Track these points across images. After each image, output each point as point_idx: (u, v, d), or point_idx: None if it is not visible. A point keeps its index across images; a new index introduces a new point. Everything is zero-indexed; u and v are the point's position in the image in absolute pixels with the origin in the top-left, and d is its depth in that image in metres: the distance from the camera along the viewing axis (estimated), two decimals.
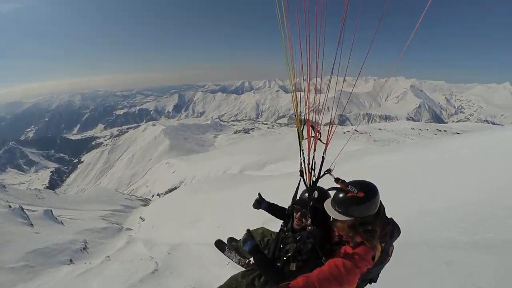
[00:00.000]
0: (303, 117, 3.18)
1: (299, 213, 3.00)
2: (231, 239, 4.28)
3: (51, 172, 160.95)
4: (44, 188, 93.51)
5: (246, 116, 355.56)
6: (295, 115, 3.21)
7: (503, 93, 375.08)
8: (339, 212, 2.50)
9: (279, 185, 27.01)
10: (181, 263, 12.14)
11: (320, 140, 2.99)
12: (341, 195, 2.52)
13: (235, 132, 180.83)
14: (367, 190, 2.46)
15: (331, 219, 2.70)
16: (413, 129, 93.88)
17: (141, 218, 30.87)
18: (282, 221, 3.36)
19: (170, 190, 65.19)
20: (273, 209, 3.67)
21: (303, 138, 3.18)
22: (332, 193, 2.76)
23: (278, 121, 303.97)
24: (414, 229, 9.04)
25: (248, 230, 3.11)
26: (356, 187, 2.44)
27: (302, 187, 3.24)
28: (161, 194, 73.82)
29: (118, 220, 30.83)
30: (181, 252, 13.93)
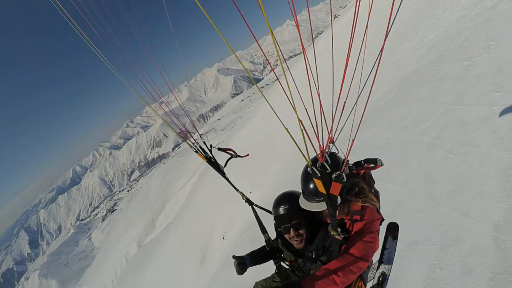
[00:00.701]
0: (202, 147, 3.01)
1: (291, 229, 2.47)
2: None
3: None
4: None
5: (101, 197, 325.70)
6: (195, 151, 3.01)
7: (289, 30, 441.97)
8: (322, 200, 2.13)
9: (183, 228, 26.87)
10: None
11: (240, 156, 2.88)
12: (311, 184, 2.19)
13: (103, 220, 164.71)
14: (331, 160, 2.09)
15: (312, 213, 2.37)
16: (243, 100, 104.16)
17: None
18: (273, 260, 2.88)
19: None
20: (258, 257, 3.02)
21: (223, 167, 3.08)
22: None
23: (132, 179, 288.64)
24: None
25: None
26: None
27: (262, 214, 3.08)
28: None
29: None
30: None
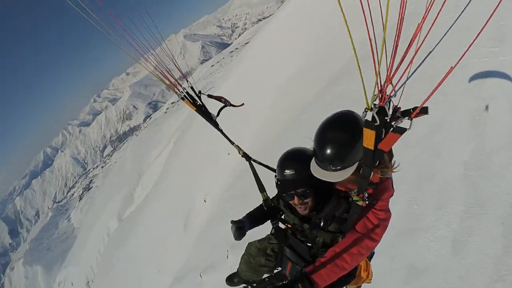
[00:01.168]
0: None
1: (295, 197, 2.19)
2: (230, 279, 3.19)
3: None
4: None
5: (75, 177, 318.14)
6: (182, 97, 2.63)
7: None
8: (339, 170, 1.80)
9: (164, 196, 26.92)
10: None
11: (234, 105, 2.69)
12: (328, 149, 1.79)
13: (80, 199, 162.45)
14: (353, 121, 1.80)
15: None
16: (213, 65, 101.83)
17: None
18: (271, 221, 2.69)
19: None
20: (257, 218, 2.73)
21: (215, 117, 2.74)
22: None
23: (105, 155, 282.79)
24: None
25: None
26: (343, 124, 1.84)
27: (262, 171, 2.76)
28: None
29: None
30: None
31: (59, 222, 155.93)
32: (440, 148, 5.44)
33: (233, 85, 23.89)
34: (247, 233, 2.58)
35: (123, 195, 65.92)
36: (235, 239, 2.52)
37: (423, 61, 1.40)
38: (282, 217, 2.60)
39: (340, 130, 1.82)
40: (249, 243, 2.83)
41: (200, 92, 2.70)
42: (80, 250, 77.50)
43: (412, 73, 1.33)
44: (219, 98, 2.70)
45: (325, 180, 1.85)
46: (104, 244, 56.30)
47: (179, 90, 2.66)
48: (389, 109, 1.39)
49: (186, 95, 2.67)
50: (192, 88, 2.66)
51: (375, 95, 1.35)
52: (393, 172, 2.06)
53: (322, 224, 2.17)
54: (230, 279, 3.14)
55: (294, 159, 2.19)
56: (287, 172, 2.14)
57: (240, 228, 2.52)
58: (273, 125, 16.99)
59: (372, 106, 1.37)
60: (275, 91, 18.66)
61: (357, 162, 1.79)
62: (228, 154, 20.32)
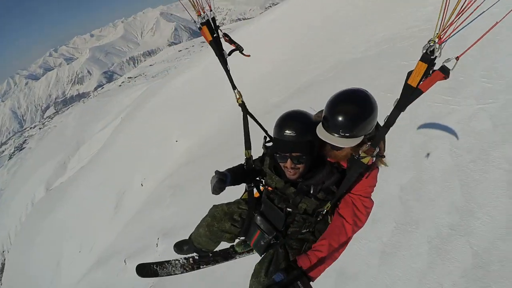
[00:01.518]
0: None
1: (288, 160, 2.06)
2: (179, 246, 2.99)
3: None
4: None
5: (10, 133, 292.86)
6: (202, 23, 2.29)
7: None
8: (346, 137, 1.83)
9: (100, 171, 25.80)
10: None
11: (245, 54, 2.48)
12: (340, 116, 1.82)
13: (10, 158, 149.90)
14: (366, 97, 1.88)
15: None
16: (180, 51, 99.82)
17: None
18: (247, 183, 2.48)
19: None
20: (237, 177, 2.46)
21: (227, 55, 2.44)
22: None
23: (45, 115, 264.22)
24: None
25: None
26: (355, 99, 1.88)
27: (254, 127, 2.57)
28: None
29: None
30: None
31: None
32: (380, 170, 5.84)
33: (197, 73, 23.60)
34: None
35: (57, 163, 62.10)
36: (213, 192, 2.24)
37: (485, 11, 1.50)
38: (263, 179, 2.48)
39: (355, 103, 1.86)
40: (214, 205, 2.64)
41: (219, 27, 2.42)
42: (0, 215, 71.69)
43: (474, 19, 1.40)
44: (233, 42, 2.46)
45: (329, 142, 1.86)
46: (27, 213, 52.60)
47: (201, 15, 2.32)
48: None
49: (208, 22, 2.34)
50: (213, 19, 2.35)
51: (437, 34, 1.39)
52: (383, 164, 2.15)
53: (312, 191, 2.09)
54: (179, 246, 2.96)
55: (297, 120, 2.06)
56: (288, 132, 2.00)
57: (222, 181, 2.25)
58: (233, 123, 17.07)
59: (435, 40, 1.40)
60: (242, 90, 18.89)
61: (362, 137, 1.85)
62: (176, 141, 19.95)
